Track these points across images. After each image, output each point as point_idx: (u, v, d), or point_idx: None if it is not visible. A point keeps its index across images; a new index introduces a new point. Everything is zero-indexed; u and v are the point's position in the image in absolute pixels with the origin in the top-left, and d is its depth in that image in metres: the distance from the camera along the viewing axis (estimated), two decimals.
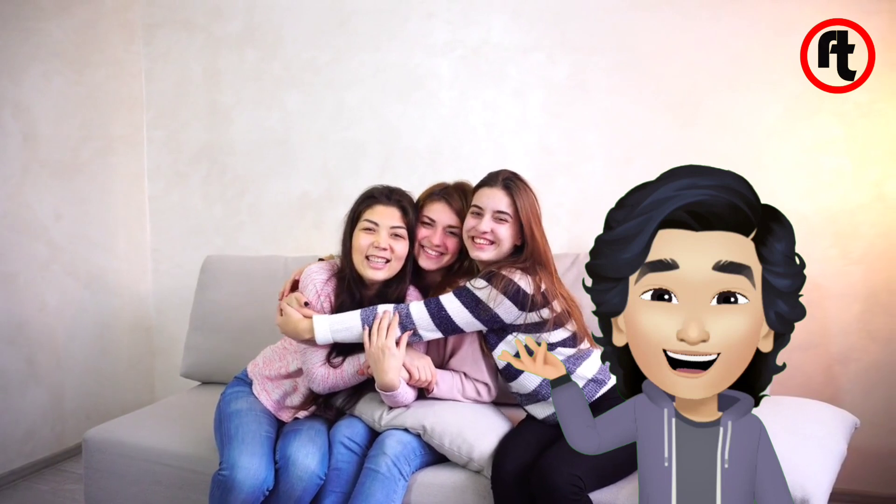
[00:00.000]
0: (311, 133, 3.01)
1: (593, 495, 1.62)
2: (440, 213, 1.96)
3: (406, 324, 1.81)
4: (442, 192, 1.99)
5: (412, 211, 1.95)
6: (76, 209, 2.98)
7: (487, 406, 1.98)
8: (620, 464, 1.70)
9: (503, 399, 2.00)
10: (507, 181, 1.87)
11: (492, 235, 1.84)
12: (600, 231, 2.71)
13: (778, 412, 1.78)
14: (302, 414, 1.97)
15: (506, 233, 1.84)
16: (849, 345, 2.39)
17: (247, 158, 3.13)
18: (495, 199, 1.84)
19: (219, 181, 3.18)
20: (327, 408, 1.98)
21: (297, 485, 1.76)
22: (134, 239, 3.25)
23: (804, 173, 2.40)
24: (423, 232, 1.96)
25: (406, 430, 1.85)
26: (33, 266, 2.83)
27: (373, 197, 1.95)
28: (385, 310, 1.83)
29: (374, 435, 1.90)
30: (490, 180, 1.89)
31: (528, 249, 1.85)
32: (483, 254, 1.85)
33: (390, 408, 1.88)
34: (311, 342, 1.86)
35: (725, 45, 2.45)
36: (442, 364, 1.99)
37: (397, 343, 1.80)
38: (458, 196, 1.97)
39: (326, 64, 2.96)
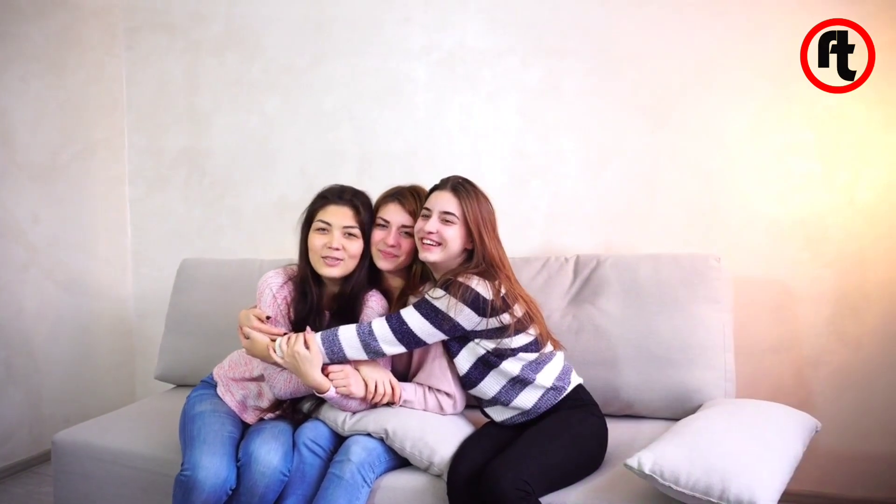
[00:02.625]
0: (290, 136, 3.03)
1: (543, 499, 1.62)
2: (394, 214, 1.97)
3: (369, 341, 1.80)
4: (395, 194, 2.01)
5: (365, 209, 1.97)
6: (55, 212, 2.99)
7: None
8: (571, 469, 1.71)
9: (468, 401, 2.00)
10: (456, 185, 1.89)
11: (438, 236, 1.85)
12: (575, 233, 2.73)
13: (736, 414, 1.79)
14: (268, 416, 1.98)
15: (452, 234, 1.85)
16: (819, 347, 2.39)
17: (226, 162, 3.14)
18: (442, 200, 1.87)
19: (199, 184, 3.19)
20: (294, 411, 1.98)
21: (259, 481, 1.76)
22: (114, 242, 3.26)
23: (775, 177, 2.41)
24: (378, 234, 1.98)
25: (369, 434, 1.85)
26: (11, 269, 2.83)
27: (325, 198, 1.97)
28: (344, 330, 1.82)
29: (338, 438, 1.89)
30: (441, 184, 1.92)
31: (479, 254, 1.85)
32: (430, 255, 1.86)
33: (353, 412, 1.89)
34: (280, 365, 1.86)
35: (698, 50, 2.46)
36: (409, 376, 1.99)
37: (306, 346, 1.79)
38: (412, 197, 1.99)
39: (305, 68, 2.97)
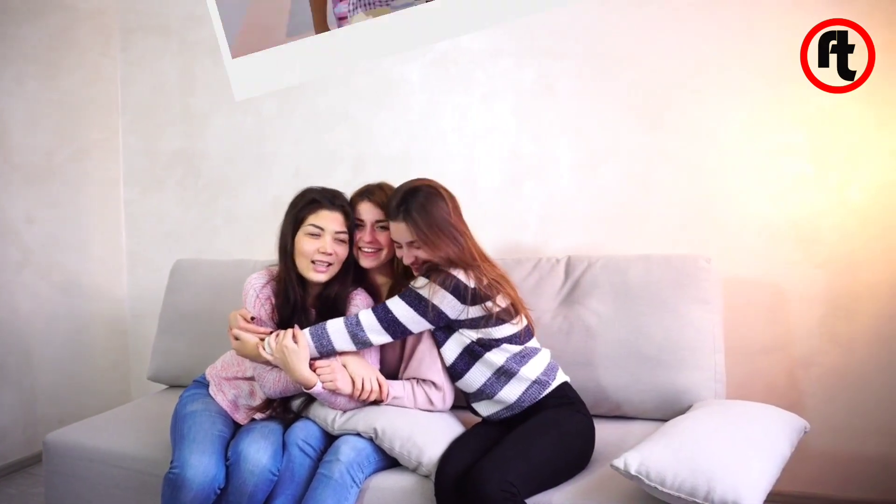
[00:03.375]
0: (285, 138, 3.03)
1: (529, 500, 1.62)
2: (367, 212, 2.00)
3: (357, 331, 1.83)
4: (365, 193, 2.04)
5: (351, 213, 2.00)
6: (50, 213, 3.00)
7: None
8: (559, 467, 1.71)
9: (458, 402, 2.00)
10: (401, 211, 1.85)
11: (417, 262, 1.89)
12: (570, 235, 2.73)
13: (724, 415, 1.79)
14: (259, 416, 1.98)
15: (424, 254, 1.87)
16: (811, 348, 2.39)
17: (221, 163, 3.15)
18: (400, 232, 1.87)
19: (194, 186, 3.20)
20: (285, 411, 1.98)
21: (248, 479, 1.77)
22: (109, 243, 3.26)
23: (768, 178, 2.41)
24: (355, 233, 2.01)
25: (359, 434, 1.85)
26: (5, 270, 2.84)
27: (316, 201, 1.96)
28: (332, 323, 1.86)
29: (329, 438, 1.90)
30: (390, 213, 1.89)
31: (445, 260, 1.84)
32: (420, 273, 1.91)
33: (343, 411, 1.89)
34: (269, 363, 1.88)
35: (692, 51, 2.46)
36: (399, 367, 1.99)
37: (295, 341, 1.82)
38: (380, 191, 2.02)
39: None
